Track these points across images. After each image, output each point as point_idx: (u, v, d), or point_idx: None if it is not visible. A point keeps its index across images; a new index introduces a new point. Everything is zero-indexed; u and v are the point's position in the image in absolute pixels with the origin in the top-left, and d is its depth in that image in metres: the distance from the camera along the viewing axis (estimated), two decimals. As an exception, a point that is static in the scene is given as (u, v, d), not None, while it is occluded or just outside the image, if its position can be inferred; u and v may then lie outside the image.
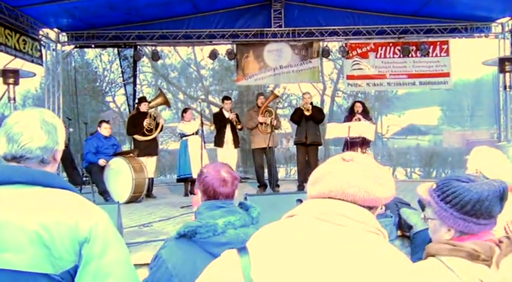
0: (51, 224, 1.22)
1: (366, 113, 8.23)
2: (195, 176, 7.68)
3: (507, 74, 8.05)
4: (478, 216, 1.34)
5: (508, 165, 2.65)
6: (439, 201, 1.40)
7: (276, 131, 8.40)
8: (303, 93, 8.79)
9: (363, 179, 1.11)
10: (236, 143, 8.08)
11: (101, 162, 6.97)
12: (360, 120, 7.91)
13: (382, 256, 1.04)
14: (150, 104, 8.05)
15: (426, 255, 1.39)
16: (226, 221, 1.78)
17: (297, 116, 8.15)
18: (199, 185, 1.93)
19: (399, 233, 4.43)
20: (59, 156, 1.38)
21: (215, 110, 15.67)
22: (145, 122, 7.69)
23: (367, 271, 1.01)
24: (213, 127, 8.06)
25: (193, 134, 7.86)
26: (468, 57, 16.57)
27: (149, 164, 7.71)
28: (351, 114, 8.23)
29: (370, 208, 1.12)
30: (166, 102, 8.55)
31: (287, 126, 20.69)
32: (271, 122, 7.89)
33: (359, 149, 7.93)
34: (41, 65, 9.05)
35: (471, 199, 1.33)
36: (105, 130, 7.29)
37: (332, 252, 1.03)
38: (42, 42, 9.09)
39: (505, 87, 8.30)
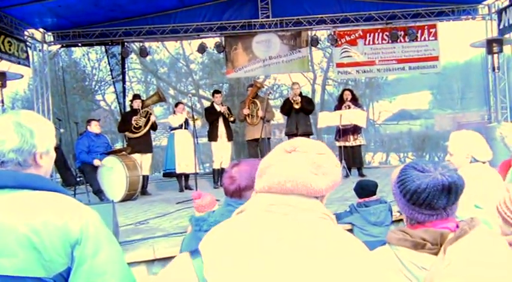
0: (40, 227, 1.21)
1: (355, 101, 8.25)
2: (179, 171, 7.68)
3: (495, 55, 8.08)
4: (419, 205, 1.36)
5: (486, 144, 2.72)
6: (395, 184, 1.45)
7: (271, 122, 8.41)
8: (292, 84, 8.81)
9: (302, 172, 1.09)
10: (229, 136, 8.07)
11: (96, 162, 6.92)
12: (350, 107, 7.95)
13: (333, 240, 1.05)
14: (146, 102, 8.00)
15: (386, 242, 1.42)
16: (218, 220, 1.77)
17: (287, 108, 8.19)
18: None
19: (394, 218, 4.47)
20: (41, 159, 1.34)
21: (206, 104, 15.61)
22: (133, 119, 7.66)
23: (320, 256, 1.01)
24: (199, 122, 7.94)
25: (180, 127, 7.84)
26: (456, 40, 16.61)
27: (144, 161, 7.70)
28: (340, 103, 8.25)
29: (316, 197, 1.11)
30: (162, 99, 8.47)
31: (279, 117, 20.65)
32: (256, 113, 7.93)
33: (351, 137, 7.99)
34: (28, 66, 8.96)
35: (410, 189, 1.36)
36: (95, 127, 7.24)
37: (282, 242, 1.03)
38: (28, 43, 8.99)
39: (493, 69, 8.33)
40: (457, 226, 1.34)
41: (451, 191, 1.34)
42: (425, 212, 1.37)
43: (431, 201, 1.34)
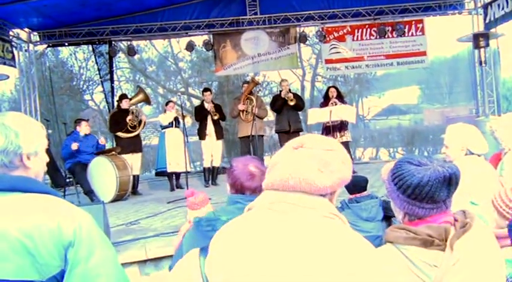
0: (33, 231, 1.20)
1: (340, 98, 8.25)
2: (170, 170, 7.63)
3: (482, 50, 8.14)
4: (421, 200, 1.34)
5: (482, 137, 2.72)
6: (390, 181, 1.42)
7: (264, 119, 8.41)
8: (281, 81, 8.74)
9: (306, 168, 1.06)
10: (219, 134, 8.02)
11: (73, 146, 6.79)
12: (336, 104, 7.95)
13: (337, 240, 1.01)
14: (131, 101, 7.94)
15: (385, 242, 1.39)
16: (230, 218, 1.78)
17: (279, 105, 8.13)
18: (227, 178, 1.97)
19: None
20: (29, 160, 1.31)
21: (196, 102, 15.54)
22: (128, 119, 7.60)
23: (319, 256, 0.98)
24: (189, 120, 7.92)
25: (170, 125, 7.79)
26: (443, 34, 16.74)
27: (134, 160, 7.64)
28: (326, 100, 8.25)
29: (322, 195, 1.08)
30: (147, 99, 8.43)
31: (269, 114, 20.65)
32: (252, 109, 7.88)
33: (337, 134, 7.99)
34: (14, 66, 8.83)
35: (412, 183, 1.34)
36: (85, 128, 7.17)
37: (279, 241, 1.01)
38: (13, 43, 8.86)
39: (480, 63, 8.40)
40: (455, 219, 1.35)
41: (451, 182, 1.33)
42: (427, 206, 1.35)
43: (434, 193, 1.32)
